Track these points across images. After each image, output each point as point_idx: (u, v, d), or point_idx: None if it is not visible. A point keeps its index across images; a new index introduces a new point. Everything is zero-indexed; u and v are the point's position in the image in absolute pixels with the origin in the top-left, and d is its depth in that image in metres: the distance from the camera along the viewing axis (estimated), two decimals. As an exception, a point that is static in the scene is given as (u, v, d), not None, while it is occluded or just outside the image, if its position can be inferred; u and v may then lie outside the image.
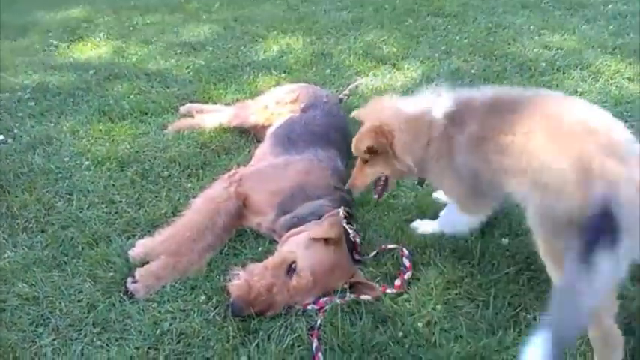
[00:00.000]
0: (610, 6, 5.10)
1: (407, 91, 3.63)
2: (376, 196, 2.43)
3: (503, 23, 4.92)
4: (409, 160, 2.13)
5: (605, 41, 4.36)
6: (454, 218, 2.33)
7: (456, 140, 1.98)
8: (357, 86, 3.91)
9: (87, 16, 6.21)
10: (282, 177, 2.54)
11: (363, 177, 2.31)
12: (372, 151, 2.19)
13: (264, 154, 2.91)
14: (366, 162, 2.27)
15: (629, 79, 3.65)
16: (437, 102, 2.08)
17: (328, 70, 4.25)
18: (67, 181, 2.99)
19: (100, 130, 3.52)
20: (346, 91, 3.78)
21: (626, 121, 3.15)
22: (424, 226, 2.49)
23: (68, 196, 2.87)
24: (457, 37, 4.72)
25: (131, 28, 5.68)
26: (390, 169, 2.25)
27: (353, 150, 2.30)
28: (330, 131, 2.92)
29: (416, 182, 2.59)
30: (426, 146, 2.07)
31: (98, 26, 5.82)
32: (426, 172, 2.19)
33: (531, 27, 4.79)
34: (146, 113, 3.75)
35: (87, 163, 3.15)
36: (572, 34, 4.59)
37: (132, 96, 4.01)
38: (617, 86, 3.57)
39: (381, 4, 5.77)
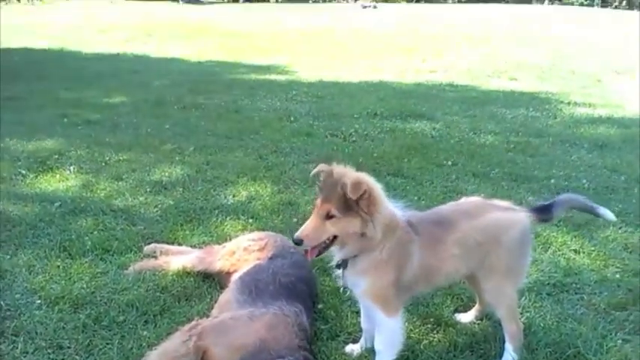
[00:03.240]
0: (553, 180, 5.62)
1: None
2: (310, 255, 2.46)
3: (457, 189, 5.29)
4: (379, 230, 2.36)
5: (550, 214, 4.71)
6: (388, 335, 2.51)
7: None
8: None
9: (60, 148, 6.31)
10: (245, 331, 2.47)
11: (322, 232, 2.37)
12: (347, 205, 2.32)
13: (228, 302, 2.85)
14: (329, 217, 2.35)
15: (575, 251, 3.90)
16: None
17: (295, 219, 4.37)
18: (15, 320, 2.83)
19: (58, 267, 3.42)
20: (311, 243, 3.86)
21: (576, 293, 3.35)
22: None
23: (14, 338, 2.70)
24: (415, 198, 5.01)
25: (103, 164, 5.79)
26: (350, 231, 2.37)
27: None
28: (298, 283, 2.92)
29: (340, 262, 2.52)
30: (387, 235, 2.41)
31: (69, 159, 5.91)
32: (369, 257, 2.43)
33: (481, 195, 5.16)
34: (108, 251, 3.70)
35: (39, 301, 3.01)
36: (519, 205, 4.95)
37: (95, 232, 3.98)
38: (565, 258, 3.80)
39: (346, 162, 6.14)
